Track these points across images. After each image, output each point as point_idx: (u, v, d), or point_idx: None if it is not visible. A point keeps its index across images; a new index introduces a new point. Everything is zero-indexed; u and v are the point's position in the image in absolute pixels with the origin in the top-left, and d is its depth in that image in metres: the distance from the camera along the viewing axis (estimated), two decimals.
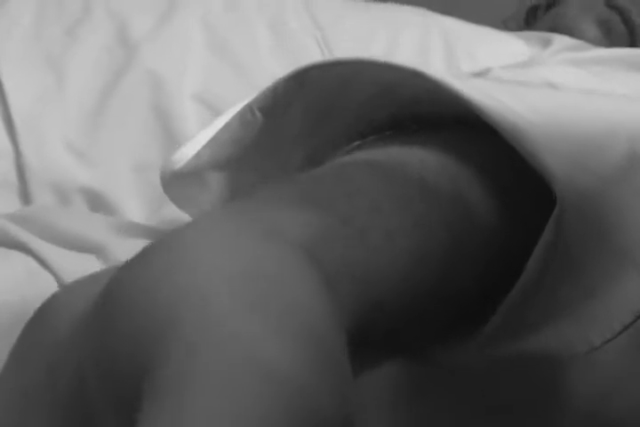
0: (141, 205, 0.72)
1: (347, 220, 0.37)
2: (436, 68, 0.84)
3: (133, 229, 0.59)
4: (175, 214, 0.62)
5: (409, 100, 0.48)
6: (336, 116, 0.50)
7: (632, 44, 0.99)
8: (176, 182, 0.51)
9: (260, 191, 0.39)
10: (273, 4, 0.87)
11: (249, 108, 0.49)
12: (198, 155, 0.50)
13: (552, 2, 1.19)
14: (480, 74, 0.67)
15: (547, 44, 0.87)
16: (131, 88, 0.76)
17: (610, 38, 0.98)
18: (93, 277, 0.37)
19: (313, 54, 0.84)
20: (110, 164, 0.74)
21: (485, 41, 0.88)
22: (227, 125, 0.50)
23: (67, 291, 0.37)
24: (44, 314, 0.36)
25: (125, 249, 0.54)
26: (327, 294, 0.31)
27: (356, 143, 0.52)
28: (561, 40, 0.88)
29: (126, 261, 0.33)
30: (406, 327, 0.40)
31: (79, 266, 0.53)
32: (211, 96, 0.78)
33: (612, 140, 0.41)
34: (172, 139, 0.76)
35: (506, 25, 1.22)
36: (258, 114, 0.49)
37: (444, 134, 0.46)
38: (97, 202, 0.72)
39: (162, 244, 0.33)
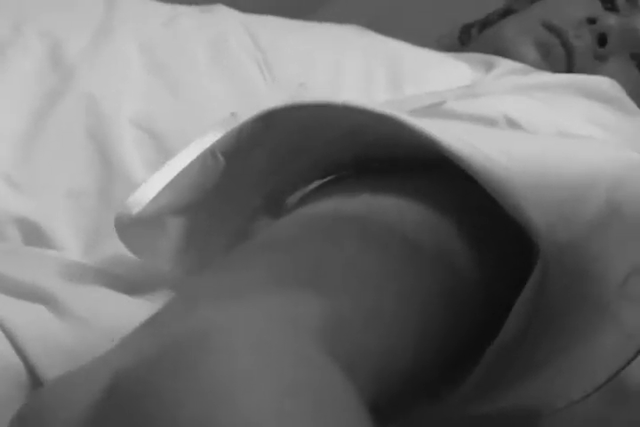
0: (78, 234, 0.69)
1: (354, 300, 0.35)
2: (380, 93, 0.82)
3: (83, 273, 0.56)
4: (115, 248, 0.59)
5: (374, 141, 0.47)
6: (301, 155, 0.48)
7: (570, 67, 0.99)
8: (131, 228, 0.49)
9: (255, 269, 0.36)
10: (213, 23, 0.84)
11: (210, 153, 0.47)
12: (156, 199, 0.47)
13: (486, 21, 1.19)
14: (433, 106, 0.66)
15: (489, 67, 0.87)
16: (66, 112, 0.73)
17: (548, 61, 0.98)
18: (85, 376, 0.33)
19: (254, 77, 0.81)
20: (45, 192, 0.71)
21: (430, 64, 0.87)
22: (186, 170, 0.47)
23: (53, 393, 0.33)
24: (29, 421, 0.32)
25: (77, 298, 0.51)
26: (361, 404, 0.29)
27: (318, 183, 0.50)
28: (504, 64, 0.87)
29: (137, 362, 0.29)
30: (404, 392, 0.38)
31: (30, 317, 0.50)
32: (149, 120, 0.75)
33: (591, 190, 0.40)
34: (109, 165, 0.73)
35: (440, 43, 1.21)
36: (220, 158, 0.46)
37: (416, 179, 0.44)
38: (32, 234, 0.68)
39: (182, 349, 0.29)
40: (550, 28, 0.99)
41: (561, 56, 0.98)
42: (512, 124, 0.60)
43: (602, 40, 0.98)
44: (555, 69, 0.96)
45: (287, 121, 0.45)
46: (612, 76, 1.00)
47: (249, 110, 0.78)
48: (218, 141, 0.46)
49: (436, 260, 0.40)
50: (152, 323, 0.33)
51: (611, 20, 0.98)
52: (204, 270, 0.39)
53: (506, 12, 1.19)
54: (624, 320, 0.41)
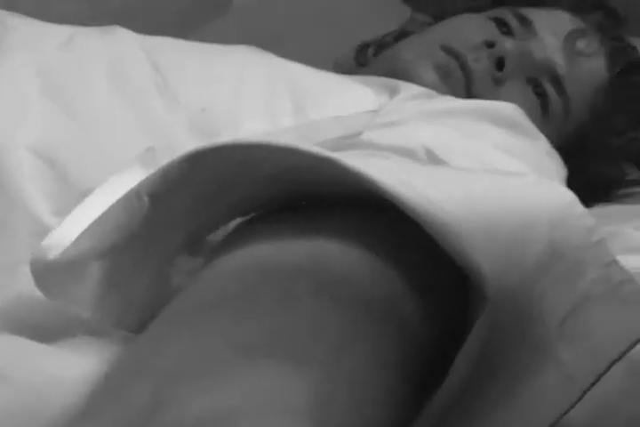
0: None
1: (332, 372, 0.33)
2: (286, 118, 0.81)
3: None
4: (20, 287, 0.56)
5: (301, 177, 0.45)
6: (227, 193, 0.46)
7: (469, 90, 0.99)
8: (49, 273, 0.46)
9: (209, 337, 0.34)
10: (112, 46, 0.81)
11: (135, 194, 0.44)
12: (77, 243, 0.45)
13: (382, 42, 1.20)
14: (350, 136, 0.65)
15: (393, 91, 0.86)
16: None
17: (448, 84, 0.98)
18: None
19: (154, 102, 0.79)
20: None
21: (333, 89, 0.86)
22: (109, 211, 0.44)
23: None
24: None
25: None
26: None
27: (243, 219, 0.48)
28: (407, 88, 0.87)
29: None
30: None
31: None
32: (48, 148, 0.72)
33: (533, 231, 0.40)
34: (6, 194, 0.69)
35: (337, 64, 1.21)
36: (145, 199, 0.44)
37: (352, 218, 0.42)
38: None
39: None
40: (449, 51, 0.99)
41: (460, 79, 0.99)
42: (431, 155, 0.60)
43: (499, 64, 0.99)
44: (454, 92, 0.97)
45: (215, 160, 0.43)
46: (509, 99, 1.01)
47: (160, 144, 0.76)
48: (142, 183, 0.44)
49: (390, 311, 0.38)
50: (122, 408, 0.30)
51: (508, 45, 1.00)
52: (141, 338, 0.37)
53: (401, 34, 1.20)
54: (564, 360, 0.40)
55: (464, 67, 0.98)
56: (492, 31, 1.03)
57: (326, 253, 0.39)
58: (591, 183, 1.00)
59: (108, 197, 0.45)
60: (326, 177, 0.42)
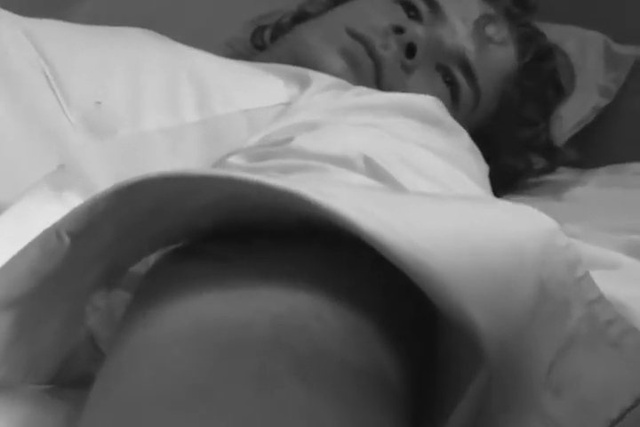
0: None
1: None
2: (189, 113, 0.73)
3: None
4: None
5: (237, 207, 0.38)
6: (151, 225, 0.39)
7: (378, 78, 0.94)
8: None
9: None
10: None
11: (55, 233, 0.37)
12: None
13: (279, 25, 1.13)
14: (279, 143, 0.58)
15: (304, 82, 0.80)
16: None
17: (356, 72, 0.92)
18: None
19: (43, 95, 0.70)
20: None
21: (240, 79, 0.78)
22: (21, 255, 0.37)
23: None
24: None
25: None
26: None
27: (167, 249, 0.41)
28: (319, 79, 0.80)
29: None
30: None
31: None
32: None
33: (520, 274, 0.34)
34: None
35: (231, 46, 1.13)
36: (66, 239, 0.37)
37: (300, 257, 0.36)
38: None
39: None
40: (356, 36, 0.93)
41: (369, 67, 0.93)
42: (370, 163, 0.53)
43: (410, 51, 0.93)
44: (362, 80, 0.91)
45: (145, 193, 0.36)
46: (418, 88, 0.96)
47: (47, 142, 0.67)
48: (64, 220, 0.37)
49: (379, 382, 0.32)
50: None
51: (418, 30, 0.94)
52: None
53: (299, 16, 1.13)
54: (549, 413, 0.35)
55: (372, 53, 0.92)
56: (399, 15, 0.97)
57: (293, 310, 0.32)
58: (499, 175, 0.96)
59: (17, 226, 0.37)
60: (268, 205, 0.36)
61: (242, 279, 0.34)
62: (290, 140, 0.56)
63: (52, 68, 0.72)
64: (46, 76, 0.71)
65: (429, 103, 0.76)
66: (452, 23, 0.98)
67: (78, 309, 0.40)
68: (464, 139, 0.77)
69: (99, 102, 0.71)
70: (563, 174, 1.13)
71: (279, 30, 1.10)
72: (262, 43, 1.12)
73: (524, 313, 0.34)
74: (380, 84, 0.94)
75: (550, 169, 1.11)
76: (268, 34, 1.12)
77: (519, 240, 0.35)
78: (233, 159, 0.57)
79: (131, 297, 0.40)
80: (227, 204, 0.37)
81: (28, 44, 0.72)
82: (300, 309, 0.32)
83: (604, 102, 1.26)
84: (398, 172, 0.53)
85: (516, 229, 0.36)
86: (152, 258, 0.42)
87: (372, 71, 0.93)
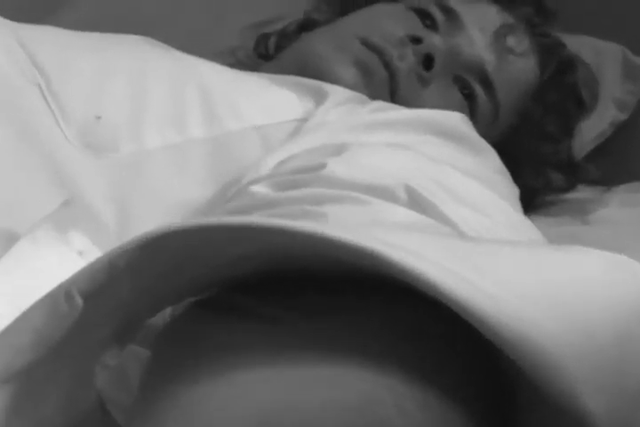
0: None
1: None
2: (196, 128, 0.67)
3: None
4: None
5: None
6: (177, 277, 0.33)
7: (393, 92, 0.88)
8: None
9: None
10: None
11: (64, 295, 0.30)
12: None
13: (285, 32, 1.07)
14: (309, 169, 0.52)
15: (320, 96, 0.74)
16: None
17: (370, 84, 0.86)
18: None
19: (37, 108, 0.64)
20: None
21: (252, 93, 0.72)
22: (24, 320, 0.31)
23: None
24: None
25: None
26: None
27: (190, 302, 0.35)
28: (335, 92, 0.74)
29: None
30: None
31: None
32: None
33: (633, 341, 0.28)
34: None
35: (235, 55, 1.07)
36: (79, 300, 0.30)
37: (366, 320, 0.30)
38: None
39: None
40: (369, 46, 0.87)
41: (383, 79, 0.87)
42: (413, 194, 0.47)
43: (427, 62, 0.87)
44: (376, 93, 0.85)
45: (174, 244, 0.30)
46: (434, 101, 0.90)
47: (40, 159, 0.61)
48: (76, 279, 0.30)
49: None
50: None
51: (435, 40, 0.88)
52: None
53: (306, 23, 1.06)
54: None
55: (388, 65, 0.86)
56: (414, 24, 0.91)
57: (368, 400, 0.26)
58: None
59: (19, 273, 0.31)
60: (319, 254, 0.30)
61: (299, 351, 0.28)
62: (321, 166, 0.50)
63: (47, 79, 0.66)
64: (40, 88, 0.65)
65: (457, 120, 0.71)
66: (470, 33, 0.92)
67: (87, 370, 0.34)
68: (493, 159, 0.72)
69: (99, 117, 0.65)
70: (580, 192, 1.07)
71: (285, 39, 1.04)
72: (267, 52, 1.06)
73: (636, 386, 0.28)
74: (394, 96, 0.88)
75: (570, 187, 1.05)
76: (272, 42, 1.06)
77: (627, 302, 0.29)
78: (256, 188, 0.51)
79: (148, 355, 0.34)
80: (268, 252, 0.31)
81: (22, 53, 0.66)
82: (376, 397, 0.26)
83: (622, 117, 1.21)
84: (441, 201, 0.48)
85: (625, 290, 0.30)
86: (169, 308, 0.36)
87: (386, 83, 0.87)
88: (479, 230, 0.46)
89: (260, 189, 0.51)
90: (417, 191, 0.47)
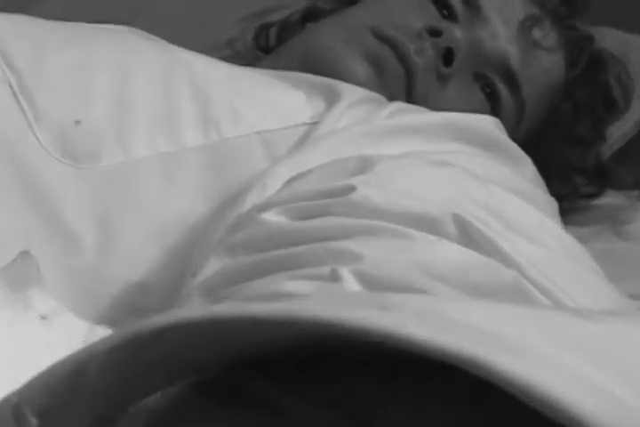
0: None
1: None
2: (188, 131, 0.59)
3: None
4: None
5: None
6: (171, 363, 0.24)
7: (410, 90, 0.79)
8: None
9: None
10: None
11: (12, 413, 0.22)
12: None
13: (287, 23, 0.97)
14: (337, 192, 0.42)
15: (332, 96, 0.65)
16: None
17: (384, 80, 0.77)
18: None
19: (9, 111, 0.55)
20: None
21: (253, 92, 0.64)
22: None
23: None
24: None
25: None
26: None
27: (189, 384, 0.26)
28: (348, 91, 0.65)
29: None
30: None
31: None
32: None
33: None
34: None
35: (231, 47, 0.98)
36: (32, 421, 0.22)
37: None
38: None
39: None
40: (383, 39, 0.78)
41: (399, 75, 0.78)
42: (462, 225, 0.38)
43: (447, 57, 0.78)
44: (390, 91, 0.76)
45: (165, 338, 0.22)
46: (454, 100, 0.82)
47: (8, 168, 0.52)
48: (27, 393, 0.22)
49: None
50: None
51: (457, 33, 0.79)
52: None
53: (310, 13, 0.97)
54: None
55: (405, 60, 0.78)
56: (432, 15, 0.82)
57: None
58: None
59: None
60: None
61: None
62: (349, 189, 0.41)
63: (19, 76, 0.57)
64: (11, 87, 0.56)
65: (490, 125, 0.62)
66: (493, 24, 0.83)
67: None
68: (532, 170, 0.63)
69: (78, 121, 0.56)
70: (609, 197, 0.98)
71: (287, 30, 0.95)
72: (267, 44, 0.97)
73: None
74: (410, 95, 0.79)
75: (598, 194, 0.96)
76: (274, 33, 0.97)
77: None
78: (269, 216, 0.42)
79: None
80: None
81: None
82: None
83: None
84: (496, 233, 0.39)
85: None
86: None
87: (401, 80, 0.79)
88: (542, 268, 0.38)
89: (271, 218, 0.41)
90: (468, 222, 0.39)
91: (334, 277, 0.33)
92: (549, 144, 0.87)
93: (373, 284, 0.33)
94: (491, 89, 0.83)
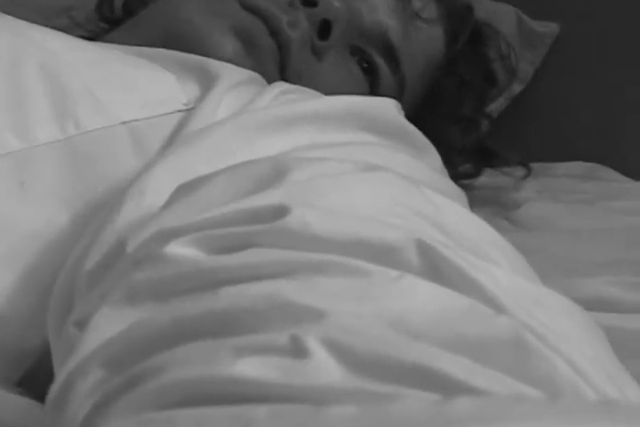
0: None
1: None
2: (40, 126, 0.48)
3: None
4: None
5: None
6: None
7: (283, 66, 0.71)
8: None
9: None
10: None
11: None
12: None
13: None
14: (262, 215, 0.33)
15: (206, 78, 0.56)
16: None
17: (254, 56, 0.69)
18: None
19: None
20: None
21: (115, 74, 0.54)
22: None
23: None
24: None
25: None
26: None
27: None
28: (227, 73, 0.56)
29: None
30: None
31: None
32: None
33: None
34: None
35: (72, 18, 0.87)
36: None
37: None
38: None
39: None
40: (252, 10, 0.70)
41: (271, 50, 0.70)
42: (426, 253, 0.30)
43: (324, 30, 0.71)
44: (262, 68, 0.67)
45: None
46: (330, 76, 0.74)
47: None
48: None
49: None
50: None
51: (335, 3, 0.71)
52: None
53: None
54: None
55: (276, 33, 0.69)
56: None
57: None
58: None
59: None
60: None
61: None
62: (280, 210, 0.32)
63: None
64: None
65: (393, 110, 0.54)
66: None
67: None
68: (436, 158, 0.56)
69: None
70: (487, 177, 0.93)
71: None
72: (112, 14, 0.86)
73: None
74: (284, 72, 0.71)
75: (476, 173, 0.91)
76: (119, 2, 0.86)
77: None
78: (177, 248, 0.32)
79: None
80: None
81: None
82: None
83: (518, 88, 1.08)
84: (459, 257, 0.31)
85: None
86: None
87: (274, 55, 0.70)
88: (523, 302, 0.30)
89: (184, 252, 0.31)
90: (432, 248, 0.30)
91: (298, 350, 0.24)
92: (431, 122, 0.81)
93: (354, 361, 0.24)
94: (368, 63, 0.76)
